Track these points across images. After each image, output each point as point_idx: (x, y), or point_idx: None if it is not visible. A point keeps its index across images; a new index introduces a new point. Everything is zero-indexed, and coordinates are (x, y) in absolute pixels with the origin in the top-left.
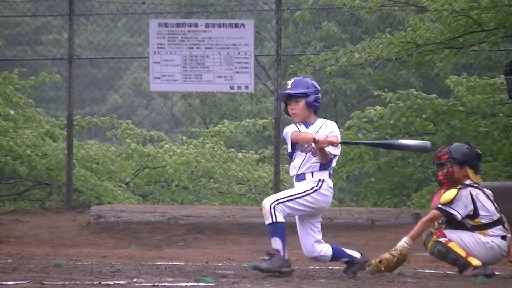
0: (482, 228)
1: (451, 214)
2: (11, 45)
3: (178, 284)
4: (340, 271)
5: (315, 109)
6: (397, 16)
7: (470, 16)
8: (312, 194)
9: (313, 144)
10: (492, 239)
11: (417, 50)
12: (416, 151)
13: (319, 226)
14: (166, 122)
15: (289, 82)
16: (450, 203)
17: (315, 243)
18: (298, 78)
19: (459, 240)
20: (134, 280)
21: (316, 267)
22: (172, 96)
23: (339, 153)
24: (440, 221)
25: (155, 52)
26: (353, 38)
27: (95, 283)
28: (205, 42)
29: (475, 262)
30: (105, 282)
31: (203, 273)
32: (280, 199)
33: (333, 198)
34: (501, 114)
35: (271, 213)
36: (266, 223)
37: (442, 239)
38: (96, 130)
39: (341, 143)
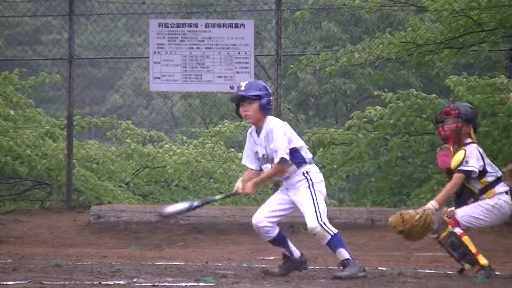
0: (488, 188)
1: (471, 171)
2: (11, 45)
3: (178, 284)
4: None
5: (267, 112)
6: (397, 16)
7: (470, 16)
8: (316, 189)
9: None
10: (499, 197)
11: (417, 50)
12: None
13: (282, 216)
14: (166, 122)
15: (243, 84)
16: (465, 162)
17: (267, 219)
18: (252, 80)
19: (470, 219)
20: (134, 280)
21: (316, 267)
22: (172, 96)
23: (304, 144)
24: (449, 209)
25: (155, 52)
26: (353, 38)
27: (95, 283)
28: (205, 42)
29: (482, 261)
30: (105, 282)
31: (203, 273)
32: (318, 213)
33: (333, 198)
34: (501, 114)
35: (324, 229)
36: (325, 242)
37: (457, 231)
38: (96, 130)
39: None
